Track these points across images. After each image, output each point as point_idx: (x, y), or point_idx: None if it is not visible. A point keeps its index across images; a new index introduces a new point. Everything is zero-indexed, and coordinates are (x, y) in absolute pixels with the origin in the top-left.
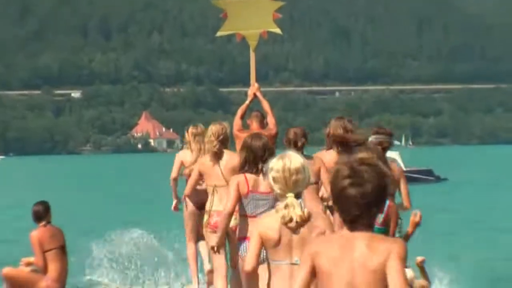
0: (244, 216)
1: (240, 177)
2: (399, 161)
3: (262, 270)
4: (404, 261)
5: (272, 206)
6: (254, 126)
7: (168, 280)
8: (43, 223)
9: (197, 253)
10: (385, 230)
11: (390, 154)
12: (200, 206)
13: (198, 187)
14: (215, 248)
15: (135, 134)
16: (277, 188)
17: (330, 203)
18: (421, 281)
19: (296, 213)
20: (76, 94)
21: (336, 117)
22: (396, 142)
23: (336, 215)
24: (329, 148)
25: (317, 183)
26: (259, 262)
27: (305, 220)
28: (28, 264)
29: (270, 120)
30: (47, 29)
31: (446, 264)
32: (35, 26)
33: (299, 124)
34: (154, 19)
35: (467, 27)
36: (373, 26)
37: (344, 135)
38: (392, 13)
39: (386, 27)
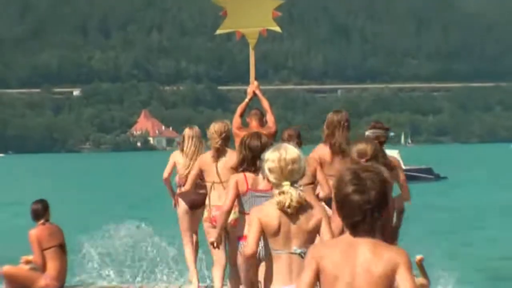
0: (243, 214)
1: (239, 175)
2: (399, 159)
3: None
4: (411, 269)
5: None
6: (254, 124)
7: (169, 278)
8: (42, 221)
9: (196, 254)
10: None
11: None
12: (193, 206)
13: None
14: (214, 244)
15: (135, 132)
16: (272, 178)
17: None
18: (420, 280)
19: (292, 197)
20: (75, 92)
21: (334, 110)
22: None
23: (334, 215)
24: (326, 141)
25: (313, 183)
26: (258, 247)
27: (302, 203)
28: (28, 262)
29: (270, 118)
30: (46, 27)
31: (445, 263)
32: (34, 24)
33: (298, 122)
34: (154, 18)
35: (467, 25)
36: (373, 24)
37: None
38: (392, 11)
39: (386, 25)
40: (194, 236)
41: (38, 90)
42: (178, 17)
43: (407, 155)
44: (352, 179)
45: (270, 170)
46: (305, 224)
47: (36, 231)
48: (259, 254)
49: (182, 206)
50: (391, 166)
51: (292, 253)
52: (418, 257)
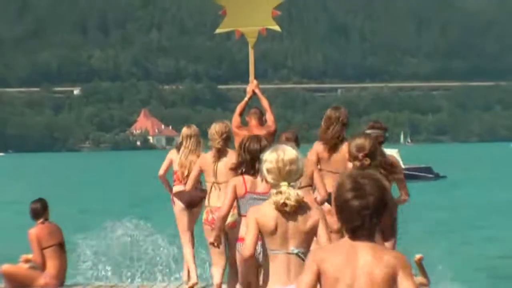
0: (241, 216)
1: (238, 179)
2: (398, 158)
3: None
4: (411, 273)
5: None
6: (253, 123)
7: (167, 278)
8: (41, 220)
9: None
10: None
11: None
12: (189, 204)
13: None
14: (214, 244)
15: (134, 131)
16: (270, 179)
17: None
18: (419, 279)
19: (290, 198)
20: (76, 91)
21: (333, 107)
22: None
23: (333, 218)
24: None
25: (311, 185)
26: (256, 249)
27: (299, 203)
28: (27, 261)
29: (269, 117)
30: (46, 26)
31: (444, 262)
32: (34, 23)
33: (297, 121)
34: (153, 16)
35: (466, 24)
36: (372, 23)
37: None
38: (391, 10)
39: (385, 24)
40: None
41: (37, 89)
42: (178, 16)
43: (406, 154)
44: (352, 185)
45: (268, 170)
46: (302, 225)
47: (36, 230)
48: (259, 255)
49: (179, 205)
50: (390, 164)
51: (289, 253)
52: (418, 256)
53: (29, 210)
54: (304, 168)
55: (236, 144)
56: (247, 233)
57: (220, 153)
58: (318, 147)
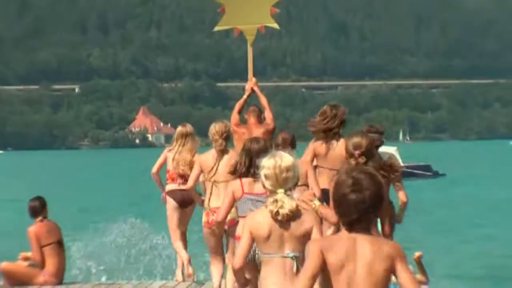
0: (241, 217)
1: (235, 183)
2: (397, 156)
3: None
4: (407, 261)
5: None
6: (252, 121)
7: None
8: (40, 218)
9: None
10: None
11: (388, 149)
12: (182, 203)
13: (183, 186)
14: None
15: (133, 129)
16: (268, 185)
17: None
18: (418, 277)
19: (284, 206)
20: (75, 89)
21: (332, 104)
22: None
23: (332, 213)
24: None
25: (306, 185)
26: (246, 261)
27: (293, 212)
28: (26, 258)
29: (268, 115)
30: (45, 25)
31: (443, 259)
32: (33, 21)
33: (296, 119)
34: (152, 14)
35: (465, 22)
36: (371, 21)
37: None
38: (390, 8)
39: (384, 22)
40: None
41: (36, 87)
42: (177, 14)
43: (405, 152)
44: (349, 180)
45: (266, 176)
46: (296, 230)
47: (35, 228)
48: (257, 258)
49: (171, 203)
50: (390, 165)
51: (285, 256)
52: (417, 254)
53: (28, 208)
54: (300, 174)
55: (235, 141)
56: (239, 244)
57: (222, 153)
58: (314, 144)
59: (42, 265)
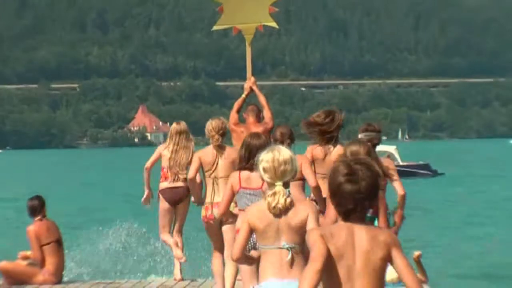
0: (240, 210)
1: (234, 176)
2: (396, 155)
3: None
4: (401, 248)
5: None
6: (250, 119)
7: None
8: (39, 217)
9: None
10: (375, 218)
11: (387, 148)
12: (172, 201)
13: (172, 183)
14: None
15: (132, 128)
16: (266, 178)
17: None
18: (418, 275)
19: (281, 200)
20: (73, 87)
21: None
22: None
23: (329, 208)
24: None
25: (302, 179)
26: (244, 252)
27: (288, 207)
28: (25, 257)
29: (266, 114)
30: (44, 23)
31: (443, 258)
32: (32, 20)
33: (295, 118)
34: (151, 13)
35: (464, 20)
36: (370, 20)
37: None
38: (389, 6)
39: (383, 21)
40: (179, 238)
41: (35, 85)
42: (176, 12)
43: (404, 151)
44: (345, 170)
45: (264, 170)
46: (293, 221)
47: (35, 227)
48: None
49: (163, 202)
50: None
51: (281, 248)
52: (416, 253)
53: (27, 207)
54: (298, 168)
55: (234, 140)
56: (237, 237)
57: (219, 149)
58: (312, 149)
59: (42, 264)
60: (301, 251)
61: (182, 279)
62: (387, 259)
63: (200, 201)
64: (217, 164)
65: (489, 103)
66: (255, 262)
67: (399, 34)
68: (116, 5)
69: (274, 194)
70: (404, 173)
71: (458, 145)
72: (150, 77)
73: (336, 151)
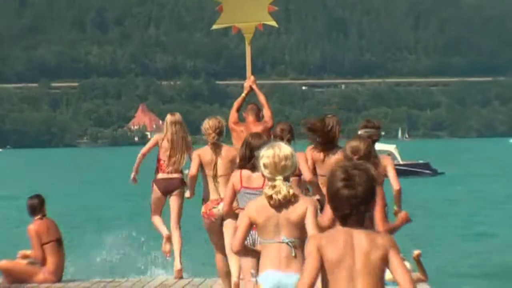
0: (240, 209)
1: (236, 175)
2: (396, 154)
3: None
4: (399, 251)
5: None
6: (250, 119)
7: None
8: (39, 216)
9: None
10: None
11: (387, 147)
12: (165, 191)
13: (166, 175)
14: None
15: (132, 127)
16: (267, 173)
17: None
18: (417, 275)
19: (281, 192)
20: (73, 86)
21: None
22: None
23: (327, 208)
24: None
25: (299, 175)
26: (244, 245)
27: (288, 198)
28: (25, 256)
29: (266, 113)
30: (43, 22)
31: (443, 257)
32: (31, 19)
33: (295, 117)
34: (151, 12)
35: (464, 20)
36: (370, 19)
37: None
38: (389, 6)
39: (383, 20)
40: (177, 231)
41: (35, 84)
42: (175, 11)
43: (404, 150)
44: (342, 175)
45: (264, 165)
46: (292, 216)
47: (35, 226)
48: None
49: (156, 192)
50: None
51: (280, 242)
52: (416, 252)
53: (26, 206)
54: (297, 163)
55: (233, 140)
56: (237, 230)
57: (217, 147)
58: (311, 151)
59: (43, 263)
60: (300, 245)
61: (181, 270)
62: (386, 261)
63: (193, 196)
64: (216, 162)
65: (489, 102)
66: (255, 255)
67: (399, 33)
68: (116, 4)
69: (274, 186)
70: (404, 172)
71: (458, 144)
72: (150, 76)
73: (338, 153)
